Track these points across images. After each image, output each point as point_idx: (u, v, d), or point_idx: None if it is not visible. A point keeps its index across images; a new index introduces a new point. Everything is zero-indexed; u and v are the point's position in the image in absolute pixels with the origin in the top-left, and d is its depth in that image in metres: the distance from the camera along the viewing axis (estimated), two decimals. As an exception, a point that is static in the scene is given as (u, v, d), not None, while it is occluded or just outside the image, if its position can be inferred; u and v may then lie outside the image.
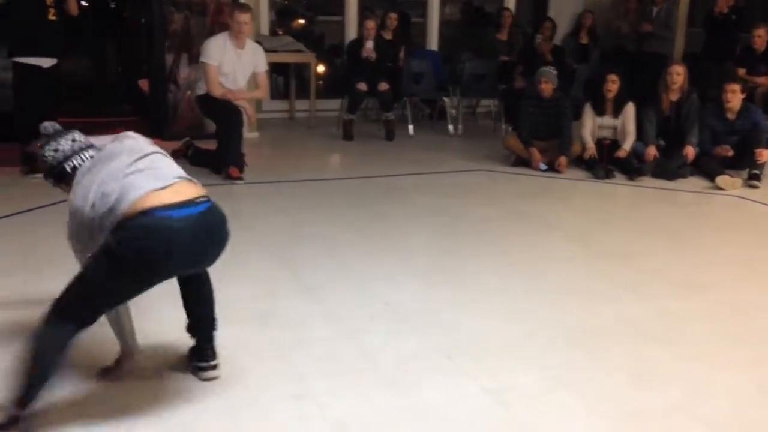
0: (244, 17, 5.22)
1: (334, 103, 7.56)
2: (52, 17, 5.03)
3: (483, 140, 7.07)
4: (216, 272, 3.46)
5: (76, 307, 2.17)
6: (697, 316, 3.23)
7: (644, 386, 2.61)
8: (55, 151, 2.37)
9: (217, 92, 5.24)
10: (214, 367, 2.56)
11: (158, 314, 2.92)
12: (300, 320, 3.05)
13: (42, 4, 4.94)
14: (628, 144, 5.77)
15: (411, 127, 7.24)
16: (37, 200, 4.50)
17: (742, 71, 6.84)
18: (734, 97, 5.60)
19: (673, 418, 2.43)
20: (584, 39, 8.28)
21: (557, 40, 8.17)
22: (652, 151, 5.67)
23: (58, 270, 3.43)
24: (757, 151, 5.46)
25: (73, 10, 5.14)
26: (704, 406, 2.50)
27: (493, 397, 2.52)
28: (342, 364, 2.71)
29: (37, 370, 2.11)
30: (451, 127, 7.41)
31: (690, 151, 5.62)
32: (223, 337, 2.85)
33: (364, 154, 6.50)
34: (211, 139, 5.59)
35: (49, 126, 2.43)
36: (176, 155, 5.61)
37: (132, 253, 2.09)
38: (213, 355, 2.58)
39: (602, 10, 8.65)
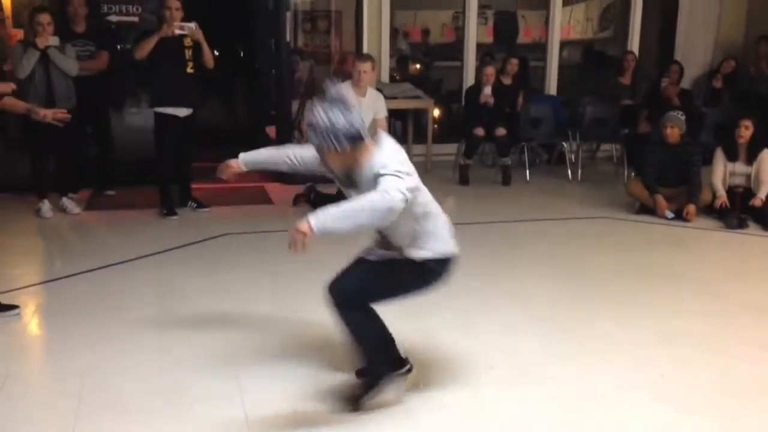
0: (365, 66, 5.40)
1: (451, 148, 7.62)
2: (189, 70, 5.39)
3: (603, 186, 6.88)
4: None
5: (374, 297, 2.70)
6: None
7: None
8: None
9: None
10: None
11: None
12: (419, 366, 3.04)
13: (181, 59, 5.31)
14: (763, 192, 5.44)
15: (528, 172, 7.17)
16: (172, 241, 4.80)
17: None
18: None
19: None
20: (719, 83, 7.93)
21: (685, 83, 7.89)
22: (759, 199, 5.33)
23: (188, 305, 3.66)
24: None
25: (210, 63, 5.48)
26: None
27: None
28: (461, 414, 2.68)
29: (368, 342, 2.67)
30: (569, 172, 7.28)
31: (834, 201, 5.24)
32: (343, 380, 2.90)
33: (480, 199, 6.49)
34: (332, 184, 5.75)
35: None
36: (299, 199, 5.85)
37: (433, 283, 2.76)
38: None
39: (733, 53, 8.29)
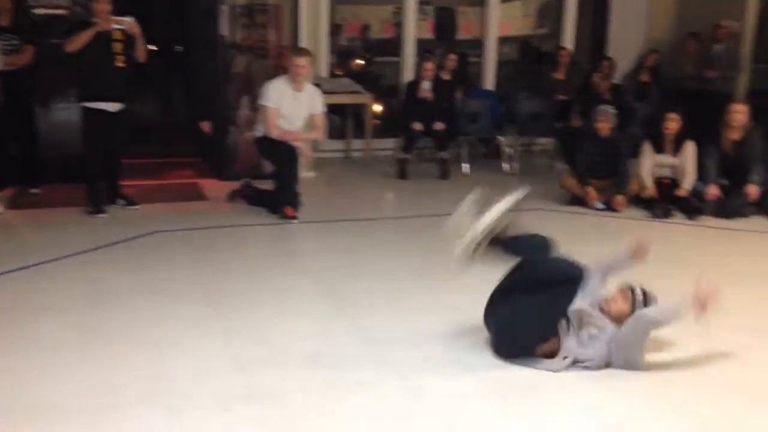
0: (302, 61, 5.38)
1: (390, 143, 7.65)
2: (120, 64, 5.27)
3: (539, 178, 7.00)
4: (271, 311, 3.58)
5: None
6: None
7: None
8: None
9: (274, 133, 5.39)
10: None
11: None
12: (353, 361, 3.06)
13: (110, 53, 5.19)
14: (688, 183, 5.65)
15: (466, 166, 7.26)
16: (100, 240, 4.69)
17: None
18: (799, 135, 5.44)
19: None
20: (645, 77, 8.18)
21: (617, 78, 8.10)
22: (713, 190, 5.54)
23: (118, 304, 3.58)
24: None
25: (142, 58, 5.37)
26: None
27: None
28: (394, 406, 2.71)
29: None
30: (506, 166, 7.40)
31: (752, 190, 5.46)
32: (275, 376, 2.90)
33: (419, 192, 6.54)
34: (269, 180, 5.73)
35: None
36: (235, 196, 5.79)
37: None
38: None
39: (663, 49, 8.55)
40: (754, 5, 8.14)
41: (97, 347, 3.15)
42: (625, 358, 2.91)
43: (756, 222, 5.42)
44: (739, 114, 5.60)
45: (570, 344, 2.91)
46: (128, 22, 5.16)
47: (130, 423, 2.57)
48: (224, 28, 6.57)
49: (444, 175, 6.99)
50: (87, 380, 2.85)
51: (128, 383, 2.83)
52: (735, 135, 5.63)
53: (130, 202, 5.58)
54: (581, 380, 2.92)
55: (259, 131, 5.59)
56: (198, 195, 6.16)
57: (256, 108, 5.78)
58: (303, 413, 2.65)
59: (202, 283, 3.99)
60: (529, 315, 3.00)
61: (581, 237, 5.06)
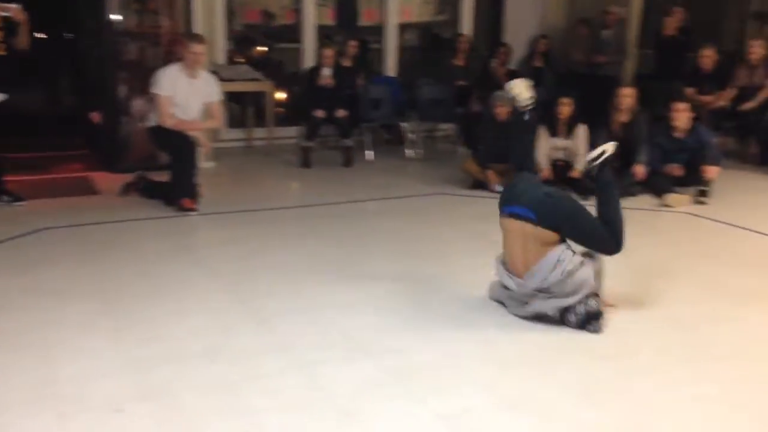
0: (199, 48, 5.22)
1: (293, 131, 7.56)
2: (1, 53, 4.96)
3: (442, 164, 7.12)
4: (167, 306, 3.46)
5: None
6: (644, 331, 3.26)
7: (593, 402, 2.63)
8: None
9: (168, 123, 5.21)
10: None
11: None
12: (251, 353, 3.01)
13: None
14: (580, 164, 5.86)
15: (370, 153, 7.27)
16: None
17: (690, 91, 7.01)
18: (681, 116, 5.73)
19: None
20: (538, 63, 8.43)
21: (513, 64, 8.31)
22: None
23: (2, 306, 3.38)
24: (704, 168, 5.58)
25: (24, 45, 5.06)
26: (650, 421, 2.52)
27: (446, 423, 2.51)
28: (293, 397, 2.67)
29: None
30: (409, 152, 7.45)
31: (639, 170, 5.72)
32: (170, 374, 2.81)
33: (322, 181, 6.50)
34: (165, 171, 5.53)
35: None
36: (128, 189, 5.57)
37: None
38: None
39: (556, 35, 8.83)
40: (638, -8, 8.54)
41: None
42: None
43: (643, 200, 5.69)
44: (627, 97, 5.84)
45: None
46: (14, 9, 4.89)
47: (14, 430, 2.42)
48: (113, 13, 6.30)
49: (348, 162, 6.97)
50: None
51: (12, 388, 2.67)
52: (623, 117, 5.87)
53: (16, 198, 5.26)
54: (481, 361, 2.97)
55: (152, 121, 5.39)
56: (89, 189, 5.88)
57: (149, 97, 5.56)
58: (200, 410, 2.57)
59: (94, 280, 3.82)
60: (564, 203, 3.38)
61: (484, 219, 5.17)
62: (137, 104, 6.34)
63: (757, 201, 5.61)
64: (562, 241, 3.28)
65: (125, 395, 2.65)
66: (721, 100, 6.99)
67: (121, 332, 3.18)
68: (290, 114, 8.31)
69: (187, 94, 5.27)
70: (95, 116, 6.20)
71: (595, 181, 3.50)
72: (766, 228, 4.77)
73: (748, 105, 6.81)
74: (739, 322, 3.38)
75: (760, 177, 6.44)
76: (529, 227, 3.25)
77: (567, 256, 3.21)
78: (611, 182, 3.50)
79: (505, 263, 3.39)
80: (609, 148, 3.53)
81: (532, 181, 3.72)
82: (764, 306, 3.58)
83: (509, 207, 3.37)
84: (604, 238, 3.33)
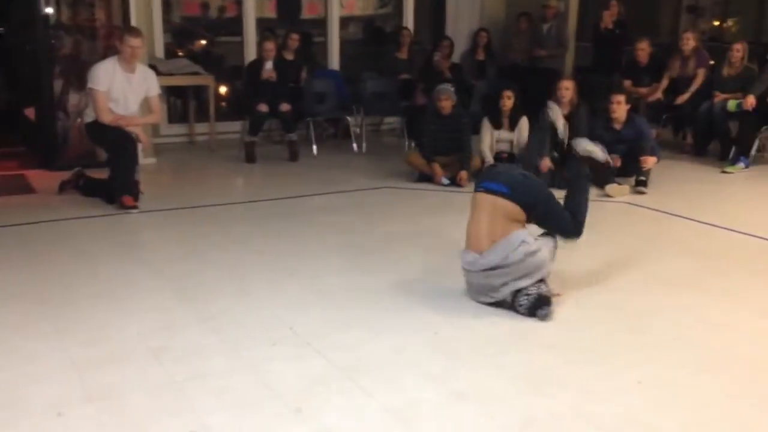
0: (135, 41, 5.08)
1: (236, 126, 7.46)
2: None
3: (387, 157, 7.13)
4: (109, 306, 3.37)
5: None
6: (587, 320, 3.34)
7: (540, 391, 2.68)
8: None
9: (106, 118, 5.07)
10: None
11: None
12: (197, 352, 2.96)
13: None
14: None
15: (315, 147, 7.23)
16: None
17: (627, 83, 7.20)
18: (619, 108, 5.87)
19: (565, 420, 2.50)
20: (481, 56, 8.52)
21: (456, 57, 8.37)
22: (546, 163, 5.87)
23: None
24: (642, 158, 5.74)
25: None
26: (594, 407, 2.58)
27: (395, 416, 2.52)
28: (241, 395, 2.64)
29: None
30: (355, 146, 7.44)
31: (581, 161, 5.85)
32: (115, 375, 2.75)
33: (267, 176, 6.43)
34: (104, 168, 5.39)
35: None
36: (66, 186, 5.41)
37: None
38: None
39: (496, 28, 8.94)
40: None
41: None
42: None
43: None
44: (567, 90, 5.95)
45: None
46: None
47: (-54, 441, 2.33)
48: (46, 6, 6.09)
49: (293, 157, 6.91)
50: None
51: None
52: (564, 110, 5.98)
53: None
54: (428, 353, 2.99)
55: (89, 117, 5.23)
56: (24, 187, 5.69)
57: (86, 92, 5.41)
58: (145, 411, 2.52)
59: (32, 281, 3.69)
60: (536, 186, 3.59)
61: (430, 213, 5.21)
62: (74, 100, 6.15)
63: (693, 190, 5.80)
64: (528, 222, 3.45)
65: (66, 398, 2.57)
66: (657, 92, 7.19)
67: (62, 333, 3.09)
68: (233, 108, 8.21)
69: (124, 89, 5.14)
70: (30, 112, 5.99)
71: (571, 172, 3.81)
72: (702, 216, 4.94)
73: (682, 99, 7.03)
74: (680, 309, 3.48)
75: (695, 167, 6.66)
76: (500, 201, 3.38)
77: (530, 239, 3.35)
78: (587, 175, 3.83)
79: (468, 240, 3.47)
80: (600, 154, 3.98)
81: (512, 169, 3.96)
82: (703, 292, 3.70)
83: (485, 183, 3.51)
84: (569, 222, 3.56)
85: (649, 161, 5.75)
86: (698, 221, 4.86)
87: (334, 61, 8.60)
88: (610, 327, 3.27)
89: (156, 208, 5.13)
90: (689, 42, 7.10)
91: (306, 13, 10.18)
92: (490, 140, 6.06)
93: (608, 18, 7.94)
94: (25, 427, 2.41)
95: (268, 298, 3.55)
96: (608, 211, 5.33)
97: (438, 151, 6.05)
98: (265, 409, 2.55)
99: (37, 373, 2.75)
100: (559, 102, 5.96)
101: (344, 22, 8.89)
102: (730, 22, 11.58)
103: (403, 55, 8.12)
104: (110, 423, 2.44)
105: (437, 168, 5.97)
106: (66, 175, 5.48)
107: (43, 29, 6.12)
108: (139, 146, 5.34)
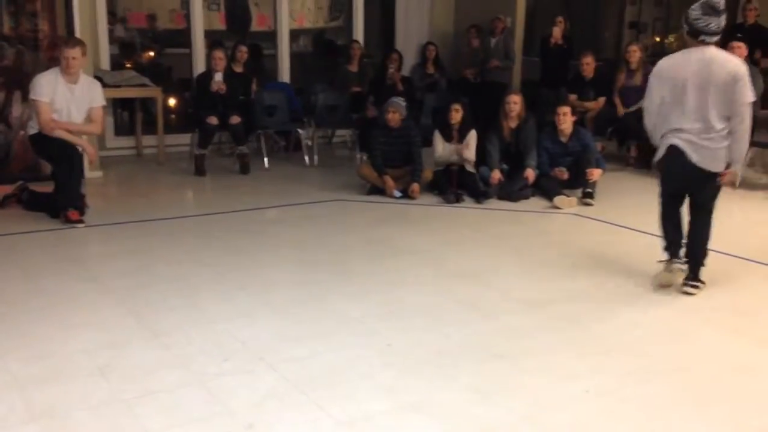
0: (72, 52, 4.97)
1: (185, 138, 7.36)
2: None
3: (339, 170, 7.13)
4: (53, 323, 3.28)
5: None
6: (537, 329, 3.39)
7: (492, 401, 2.70)
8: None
9: (49, 129, 4.95)
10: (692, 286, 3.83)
11: None
12: (146, 369, 2.90)
13: None
14: (469, 166, 6.04)
15: (266, 160, 7.18)
16: None
17: (573, 97, 7.36)
18: (565, 120, 6.00)
19: (520, 430, 2.52)
20: (430, 69, 8.61)
21: (405, 70, 8.44)
22: (496, 175, 5.96)
23: None
24: (588, 171, 5.87)
25: None
26: (547, 416, 2.62)
27: (348, 429, 2.51)
28: (191, 412, 2.59)
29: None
30: (306, 159, 7.42)
31: (530, 174, 5.95)
32: (59, 394, 2.67)
33: (217, 189, 6.36)
34: (48, 182, 5.26)
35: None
36: (8, 200, 5.25)
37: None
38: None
39: (445, 42, 9.05)
40: (522, 2, 8.88)
41: None
42: None
43: (533, 203, 5.90)
44: (515, 104, 6.06)
45: None
46: None
47: None
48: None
49: (244, 169, 6.85)
50: None
51: None
52: (512, 123, 6.09)
53: None
54: (380, 366, 2.99)
55: (33, 129, 5.10)
56: (-36, 201, 5.49)
57: (29, 103, 5.27)
58: (93, 429, 2.45)
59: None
60: None
61: (383, 224, 5.23)
62: (17, 112, 5.99)
63: (638, 201, 5.94)
64: None
65: (10, 418, 2.49)
66: (598, 106, 7.36)
67: (4, 351, 2.99)
68: (182, 121, 8.10)
69: (67, 100, 5.03)
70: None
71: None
72: (646, 227, 5.06)
73: (622, 110, 7.21)
74: (626, 318, 3.57)
75: (639, 178, 6.83)
76: None
77: None
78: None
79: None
80: None
81: None
82: (648, 301, 3.80)
83: None
84: None
85: (595, 173, 5.89)
86: (642, 232, 4.98)
87: (285, 74, 8.58)
88: (557, 336, 3.32)
89: (103, 222, 5.02)
90: (635, 53, 7.29)
91: (256, 26, 10.15)
92: (442, 152, 6.11)
93: (557, 33, 8.12)
94: (-36, 450, 2.33)
95: (219, 312, 3.50)
96: (556, 222, 5.44)
97: (389, 163, 6.08)
98: (216, 426, 2.51)
99: (-24, 394, 2.66)
100: (507, 115, 6.07)
101: (294, 34, 8.88)
102: (671, 38, 11.98)
103: (353, 68, 8.15)
104: (55, 444, 2.38)
105: (389, 180, 6.00)
106: (8, 188, 5.32)
107: (-17, 39, 5.95)
108: (86, 159, 5.22)
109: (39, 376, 2.80)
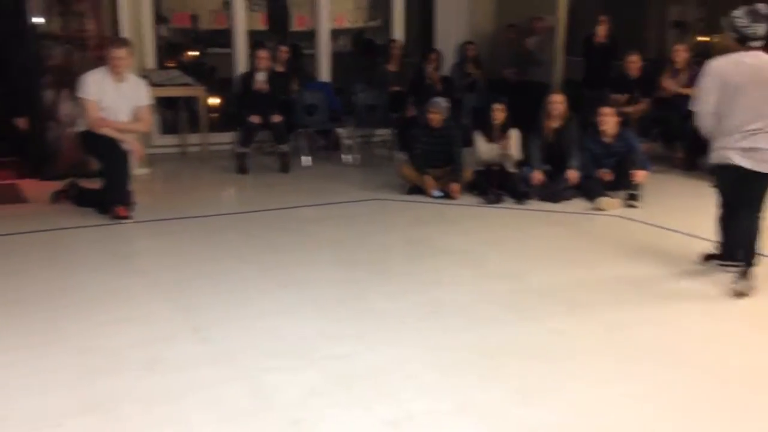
0: (119, 52, 5.09)
1: (228, 137, 7.46)
2: None
3: (379, 169, 7.15)
4: (103, 317, 3.35)
5: None
6: (581, 333, 3.35)
7: (534, 403, 2.69)
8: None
9: (97, 126, 5.07)
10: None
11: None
12: (192, 363, 2.95)
13: None
14: (510, 167, 6.00)
15: (306, 159, 7.23)
16: None
17: (617, 97, 7.24)
18: (608, 121, 5.91)
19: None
20: (470, 69, 8.56)
21: (445, 70, 8.42)
22: (538, 176, 5.90)
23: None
24: (633, 172, 5.78)
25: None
26: (589, 420, 2.59)
27: (393, 429, 2.51)
28: (237, 407, 2.63)
29: None
30: (346, 157, 7.45)
31: (573, 175, 5.88)
32: (109, 386, 2.73)
33: (259, 187, 6.43)
34: (96, 178, 5.37)
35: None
36: (59, 196, 5.38)
37: None
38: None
39: (485, 41, 9.00)
40: (564, 1, 8.77)
41: None
42: None
43: (576, 204, 5.83)
44: (558, 104, 6.00)
45: None
46: None
47: (-60, 454, 2.31)
48: (35, 17, 6.08)
49: (284, 168, 6.91)
50: None
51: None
52: (555, 124, 6.03)
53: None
54: (423, 365, 3.00)
55: (81, 126, 5.22)
56: (17, 197, 5.67)
57: (77, 101, 5.39)
58: (142, 423, 2.51)
59: (25, 291, 3.67)
60: None
61: (423, 224, 5.22)
62: (65, 109, 6.14)
63: (684, 203, 5.83)
64: None
65: (64, 409, 2.56)
66: (645, 106, 7.24)
67: (55, 344, 3.07)
68: (224, 119, 8.20)
69: (114, 98, 5.14)
70: (22, 122, 5.97)
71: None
72: (694, 229, 4.96)
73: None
74: (671, 323, 3.51)
75: (686, 181, 6.69)
76: None
77: None
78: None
79: None
80: None
81: None
82: (695, 305, 3.73)
83: None
84: None
85: (640, 175, 5.79)
86: (689, 235, 4.89)
87: (325, 73, 8.62)
88: (598, 340, 3.27)
89: (149, 218, 5.12)
90: (681, 54, 7.16)
91: (296, 26, 10.23)
92: (484, 151, 6.09)
93: (602, 32, 8.01)
94: (20, 439, 2.40)
95: (262, 308, 3.54)
96: (600, 224, 5.35)
97: (429, 163, 6.07)
98: (262, 421, 2.54)
99: (32, 384, 2.73)
100: (550, 115, 6.01)
101: (334, 34, 8.92)
102: (716, 38, 11.72)
103: (393, 67, 8.16)
104: (107, 434, 2.43)
105: (429, 180, 5.99)
106: (58, 184, 5.46)
107: (32, 40, 6.11)
108: (132, 156, 5.32)
109: (90, 368, 2.87)
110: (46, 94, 6.16)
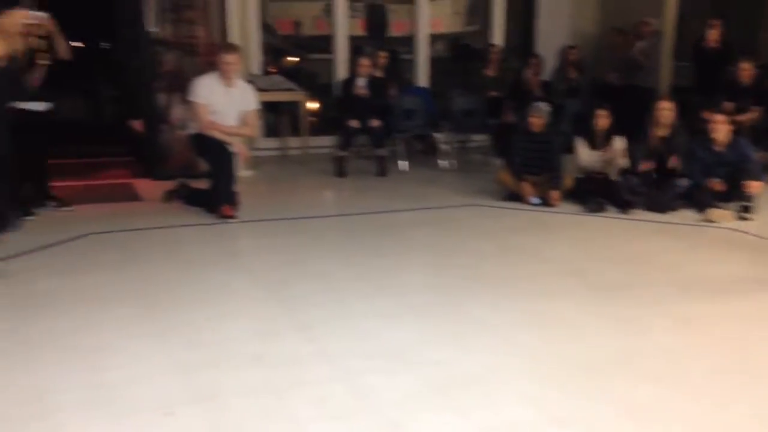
0: (230, 58, 5.29)
1: (327, 140, 7.61)
2: (44, 62, 5.03)
3: (476, 175, 7.11)
4: (210, 311, 3.50)
5: None
6: (695, 350, 3.22)
7: (641, 423, 2.60)
8: None
9: (207, 128, 5.29)
10: None
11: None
12: (295, 360, 3.03)
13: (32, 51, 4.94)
14: (613, 174, 5.83)
15: (403, 163, 7.28)
16: (29, 244, 4.49)
17: (728, 105, 6.91)
18: (720, 128, 5.65)
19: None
20: (572, 74, 8.38)
21: (545, 75, 8.27)
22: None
23: (48, 310, 3.44)
24: (746, 183, 5.49)
25: (64, 55, 5.11)
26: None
27: (492, 436, 2.50)
28: (338, 405, 2.68)
29: None
30: (443, 162, 7.45)
31: (683, 183, 5.66)
32: (216, 379, 2.84)
33: (357, 190, 6.52)
34: (203, 179, 5.60)
35: None
36: (171, 196, 5.65)
37: None
38: None
39: (588, 45, 8.78)
40: (672, 4, 8.46)
41: (26, 354, 3.02)
42: None
43: (685, 215, 5.58)
44: (667, 111, 5.78)
45: None
46: (41, 17, 4.86)
47: (68, 431, 2.46)
48: (150, 24, 6.41)
49: (382, 172, 6.99)
50: (14, 387, 2.72)
51: (61, 390, 2.72)
52: (663, 132, 5.81)
53: (62, 204, 5.38)
54: (522, 374, 2.96)
55: (193, 129, 5.47)
56: (132, 195, 6.00)
57: (188, 105, 5.65)
58: (247, 415, 2.60)
59: (137, 285, 3.87)
60: None
61: (521, 231, 5.16)
62: (177, 113, 6.43)
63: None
64: None
65: (174, 398, 2.68)
66: (756, 115, 6.88)
67: (165, 336, 3.22)
68: (323, 124, 8.38)
69: (223, 103, 5.34)
70: (138, 124, 6.31)
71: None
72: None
73: None
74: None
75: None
76: None
77: None
78: None
79: None
80: None
81: None
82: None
83: None
84: None
85: (754, 186, 5.50)
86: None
87: (422, 78, 8.66)
88: (715, 360, 3.13)
89: (253, 218, 5.29)
90: (800, 61, 6.76)
91: (394, 31, 10.31)
92: (587, 159, 5.95)
93: (713, 36, 7.67)
94: (139, 422, 2.53)
95: (362, 310, 3.59)
96: (712, 236, 5.07)
97: (528, 169, 5.99)
98: (362, 422, 2.58)
99: (141, 374, 2.88)
100: (658, 123, 5.80)
101: (431, 39, 8.94)
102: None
103: (491, 72, 8.10)
104: (216, 424, 2.53)
105: (527, 187, 5.91)
106: (170, 184, 5.73)
107: (147, 45, 6.44)
108: (237, 158, 5.52)
109: (198, 361, 2.99)
110: (159, 98, 6.48)
